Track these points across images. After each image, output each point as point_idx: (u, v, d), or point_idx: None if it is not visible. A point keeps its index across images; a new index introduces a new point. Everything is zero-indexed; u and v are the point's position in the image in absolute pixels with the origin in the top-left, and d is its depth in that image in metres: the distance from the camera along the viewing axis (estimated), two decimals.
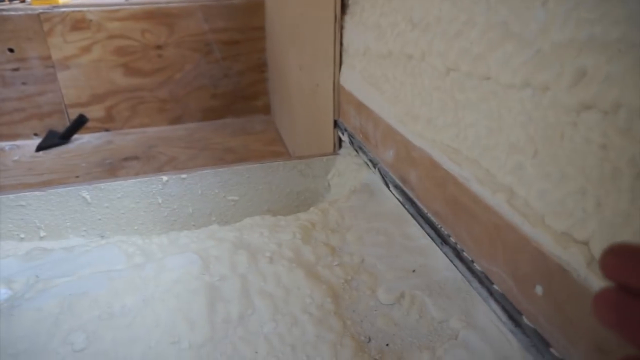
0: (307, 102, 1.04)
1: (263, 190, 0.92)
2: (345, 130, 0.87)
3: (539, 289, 0.40)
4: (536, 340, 0.41)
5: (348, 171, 0.87)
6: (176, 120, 1.63)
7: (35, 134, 1.51)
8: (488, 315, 0.49)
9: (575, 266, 0.36)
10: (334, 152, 0.93)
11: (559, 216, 0.38)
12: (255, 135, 1.61)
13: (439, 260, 0.58)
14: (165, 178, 0.86)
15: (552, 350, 0.39)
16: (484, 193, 0.47)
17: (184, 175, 0.87)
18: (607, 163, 0.34)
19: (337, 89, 0.89)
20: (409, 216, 0.63)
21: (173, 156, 1.45)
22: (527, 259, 0.41)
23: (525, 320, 0.42)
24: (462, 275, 0.51)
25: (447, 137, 0.54)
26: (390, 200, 0.70)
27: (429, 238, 0.59)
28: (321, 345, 0.52)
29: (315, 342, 0.52)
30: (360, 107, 0.78)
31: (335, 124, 0.92)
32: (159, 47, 1.50)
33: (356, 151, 0.82)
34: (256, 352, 0.52)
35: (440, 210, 0.56)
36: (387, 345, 0.52)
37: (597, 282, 0.34)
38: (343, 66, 0.87)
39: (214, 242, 0.65)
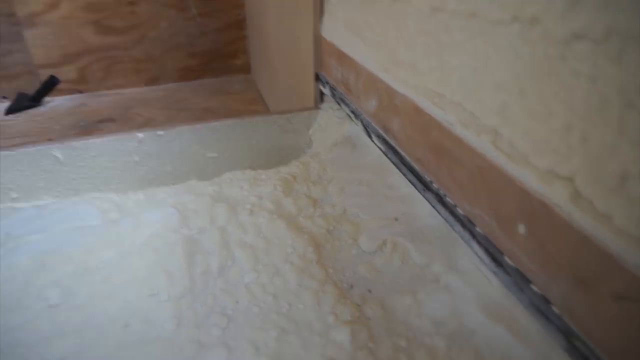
0: (288, 57, 1.00)
1: (243, 147, 0.90)
2: (327, 83, 0.85)
3: (521, 228, 0.40)
4: (517, 279, 0.41)
5: (330, 125, 0.85)
6: (153, 80, 1.57)
7: (4, 97, 1.44)
8: (470, 258, 0.49)
9: (558, 202, 0.36)
10: (316, 107, 0.91)
11: (543, 154, 0.38)
12: (235, 95, 1.57)
13: (421, 207, 0.57)
14: (141, 135, 0.83)
15: (532, 286, 0.39)
16: (467, 136, 0.46)
17: (160, 133, 0.84)
18: (596, 95, 0.33)
19: (318, 40, 0.86)
20: (392, 165, 0.62)
21: (150, 117, 1.40)
22: (510, 199, 0.41)
23: (507, 259, 0.42)
24: (445, 220, 0.51)
25: (431, 81, 0.52)
26: (373, 151, 0.69)
27: (412, 186, 0.58)
28: (303, 293, 0.51)
29: (297, 291, 0.52)
30: (342, 57, 0.76)
31: (317, 77, 0.89)
32: (131, 2, 1.42)
33: (338, 104, 0.80)
34: (237, 302, 0.51)
35: (422, 157, 0.55)
36: (370, 291, 0.52)
37: (580, 216, 0.34)
38: (324, 17, 0.84)
39: (192, 196, 0.64)
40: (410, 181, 0.57)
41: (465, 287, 0.48)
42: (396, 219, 0.58)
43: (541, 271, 0.38)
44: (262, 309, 0.50)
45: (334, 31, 0.80)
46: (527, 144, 0.39)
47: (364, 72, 0.68)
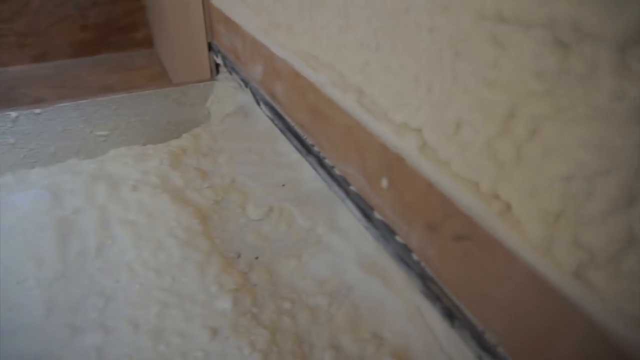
0: (182, 27, 0.95)
1: (136, 123, 0.85)
2: (219, 51, 0.82)
3: (384, 182, 0.41)
4: (384, 231, 0.43)
5: (226, 96, 0.82)
6: (41, 57, 1.43)
7: None
8: (348, 216, 0.50)
9: (409, 153, 0.37)
10: (212, 78, 0.88)
11: (398, 108, 0.39)
12: (137, 71, 1.47)
13: (307, 172, 0.58)
14: (14, 114, 0.75)
15: (397, 237, 0.41)
16: (337, 96, 0.46)
17: (37, 111, 0.77)
18: (434, 46, 0.34)
19: (208, 7, 0.82)
20: (280, 132, 0.62)
21: (39, 97, 1.28)
22: (374, 155, 0.42)
23: (376, 214, 0.44)
24: (325, 182, 0.52)
25: (305, 43, 0.52)
26: (263, 119, 0.68)
27: (299, 152, 0.58)
28: (187, 266, 0.50)
29: (182, 264, 0.50)
30: (229, 23, 0.73)
31: (210, 47, 0.86)
32: None
33: (230, 72, 0.78)
34: (117, 282, 0.49)
35: (304, 121, 0.55)
36: (257, 258, 0.52)
37: (427, 164, 0.35)
38: None
39: (69, 175, 0.59)
40: (295, 147, 0.57)
41: (345, 245, 0.49)
42: (283, 185, 0.58)
43: (402, 221, 0.40)
44: (143, 286, 0.49)
45: None
46: (385, 100, 0.40)
47: (249, 38, 0.66)
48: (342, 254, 0.49)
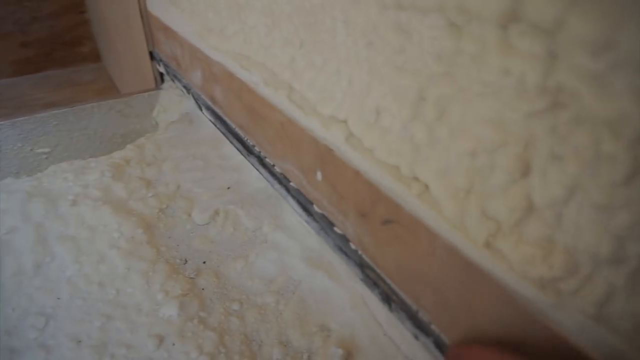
0: (124, 38, 0.94)
1: (80, 138, 0.83)
2: (161, 60, 0.81)
3: (319, 175, 0.42)
4: (324, 224, 0.43)
5: (172, 104, 0.81)
6: None
7: None
8: (291, 213, 0.50)
9: (337, 144, 0.38)
10: (157, 87, 0.86)
11: (325, 101, 0.39)
12: (84, 86, 1.43)
13: (251, 173, 0.58)
14: None
15: (335, 229, 0.42)
16: (269, 94, 0.47)
17: None
18: (349, 38, 0.35)
19: (146, 16, 0.81)
20: (223, 136, 0.61)
21: None
22: (307, 149, 0.42)
23: (315, 208, 0.44)
24: (267, 180, 0.52)
25: (237, 45, 0.52)
26: (207, 124, 0.67)
27: (241, 154, 0.58)
28: (132, 276, 0.49)
29: (126, 275, 0.49)
30: (167, 31, 0.72)
31: (152, 55, 0.85)
32: None
33: (172, 80, 0.77)
34: (58, 299, 0.47)
35: (243, 122, 0.55)
36: (204, 262, 0.52)
37: (352, 153, 0.36)
38: None
39: (3, 194, 0.57)
40: (237, 148, 0.57)
41: (290, 242, 0.50)
42: (229, 188, 0.58)
43: (338, 212, 0.41)
44: (86, 300, 0.47)
45: (158, 4, 0.76)
46: (313, 95, 0.41)
47: (186, 44, 0.65)
48: (287, 251, 0.49)
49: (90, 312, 0.46)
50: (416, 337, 0.34)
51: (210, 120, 0.63)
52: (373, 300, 0.41)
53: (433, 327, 0.33)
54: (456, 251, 0.28)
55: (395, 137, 0.32)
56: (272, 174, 0.50)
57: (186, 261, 0.52)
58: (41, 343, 0.44)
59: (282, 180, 0.49)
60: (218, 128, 0.61)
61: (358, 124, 0.36)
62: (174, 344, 0.42)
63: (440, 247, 0.29)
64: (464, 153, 0.27)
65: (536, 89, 0.22)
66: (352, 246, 0.40)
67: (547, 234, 0.24)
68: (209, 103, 0.63)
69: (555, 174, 0.22)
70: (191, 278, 0.50)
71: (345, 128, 0.37)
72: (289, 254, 0.49)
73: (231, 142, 0.58)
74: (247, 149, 0.54)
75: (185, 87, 0.71)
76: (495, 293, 0.26)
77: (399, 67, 0.31)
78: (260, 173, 0.53)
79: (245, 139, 0.55)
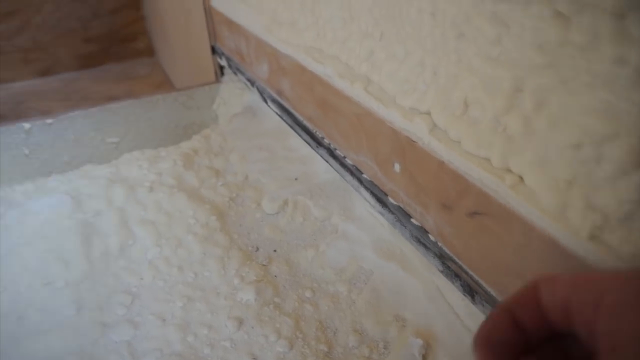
0: (184, 33, 0.97)
1: (145, 128, 0.87)
2: (223, 54, 0.83)
3: (397, 167, 0.42)
4: (400, 215, 0.44)
5: (233, 97, 0.84)
6: (46, 71, 1.45)
7: None
8: (362, 204, 0.51)
9: (420, 135, 0.38)
10: (217, 80, 0.89)
11: (406, 93, 0.40)
12: (140, 80, 1.49)
13: (318, 165, 0.59)
14: (27, 125, 0.77)
15: (412, 220, 0.42)
16: (344, 86, 0.47)
17: (49, 121, 0.79)
18: (437, 29, 0.35)
19: (209, 11, 0.84)
20: (289, 128, 0.63)
21: (47, 110, 1.30)
22: (385, 140, 0.43)
23: (390, 199, 0.45)
24: (337, 172, 0.53)
25: (309, 38, 0.53)
26: (271, 116, 0.69)
27: (309, 146, 0.59)
28: (208, 261, 0.51)
29: (202, 259, 0.52)
30: (232, 25, 0.74)
31: (214, 50, 0.87)
32: None
33: (235, 74, 0.79)
34: (141, 279, 0.50)
35: (312, 114, 0.56)
36: (275, 251, 0.53)
37: (437, 145, 0.37)
38: None
39: (87, 180, 0.61)
40: (305, 140, 0.58)
41: (360, 233, 0.51)
42: (296, 179, 0.59)
43: (416, 204, 0.41)
44: (167, 282, 0.50)
45: (221, 0, 0.78)
46: (393, 86, 0.41)
47: (252, 38, 0.67)
48: (358, 242, 0.50)
49: (172, 293, 0.49)
50: None
51: (276, 113, 0.65)
52: (451, 291, 0.41)
53: None
54: (555, 242, 0.28)
55: (486, 128, 0.32)
56: (344, 165, 0.51)
57: (258, 249, 0.54)
58: (129, 319, 0.46)
59: (354, 172, 0.49)
60: (284, 120, 0.63)
61: (443, 116, 0.36)
62: (253, 327, 0.44)
63: (536, 239, 0.29)
64: (566, 145, 0.27)
65: None
66: (432, 238, 0.40)
67: None
68: (275, 96, 0.65)
69: None
70: (264, 265, 0.52)
71: (428, 120, 0.38)
72: (359, 245, 0.50)
73: (298, 134, 0.59)
74: (316, 141, 0.55)
75: (249, 80, 0.73)
76: None
77: (493, 59, 0.31)
78: (330, 165, 0.54)
79: (314, 131, 0.56)
